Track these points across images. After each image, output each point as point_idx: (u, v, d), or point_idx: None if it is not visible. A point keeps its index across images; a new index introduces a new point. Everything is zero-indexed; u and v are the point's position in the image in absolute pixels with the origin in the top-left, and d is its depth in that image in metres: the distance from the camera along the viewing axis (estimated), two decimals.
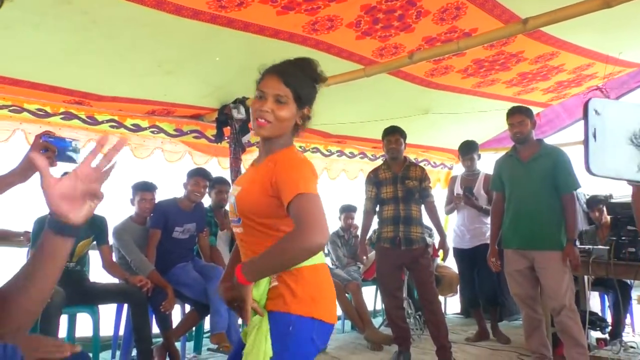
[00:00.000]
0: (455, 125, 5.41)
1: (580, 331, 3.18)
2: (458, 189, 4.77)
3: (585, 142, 1.49)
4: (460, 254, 4.74)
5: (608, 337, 4.06)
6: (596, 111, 1.50)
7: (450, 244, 4.64)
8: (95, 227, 3.48)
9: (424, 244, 3.81)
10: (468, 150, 4.68)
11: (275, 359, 1.41)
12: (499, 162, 3.62)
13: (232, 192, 1.65)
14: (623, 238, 3.54)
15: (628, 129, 1.53)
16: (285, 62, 1.60)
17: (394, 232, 3.76)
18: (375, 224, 4.05)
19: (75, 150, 1.69)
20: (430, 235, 5.72)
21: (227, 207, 1.71)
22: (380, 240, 3.87)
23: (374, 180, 3.94)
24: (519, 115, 3.39)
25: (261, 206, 1.48)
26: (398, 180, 3.82)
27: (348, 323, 4.94)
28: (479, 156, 4.76)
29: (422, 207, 3.93)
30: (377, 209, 3.97)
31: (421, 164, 6.26)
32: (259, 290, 1.45)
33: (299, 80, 1.55)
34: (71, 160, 1.69)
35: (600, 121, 1.50)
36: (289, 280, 1.46)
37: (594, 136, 1.48)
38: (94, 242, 3.53)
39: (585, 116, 1.50)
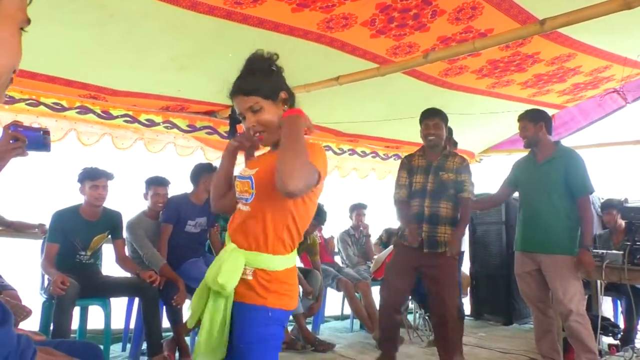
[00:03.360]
0: (469, 126, 5.37)
1: (590, 336, 3.14)
2: None
3: None
4: None
5: (620, 343, 4.02)
6: None
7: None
8: (111, 222, 3.53)
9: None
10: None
11: (256, 345, 1.55)
12: (517, 163, 3.63)
13: (243, 173, 1.71)
14: (638, 243, 3.50)
15: None
16: (237, 77, 1.67)
17: (417, 231, 3.30)
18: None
19: (45, 140, 1.67)
20: None
21: (236, 188, 1.75)
22: (402, 238, 3.40)
23: (407, 166, 3.46)
24: (522, 121, 3.42)
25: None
26: (431, 171, 3.33)
27: (357, 322, 4.93)
28: (450, 131, 3.86)
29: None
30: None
31: None
32: (228, 276, 1.54)
33: (255, 82, 1.62)
34: (42, 149, 1.67)
35: None
36: (263, 279, 1.57)
37: None
38: (109, 237, 3.57)
39: None
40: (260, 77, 1.63)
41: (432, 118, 3.35)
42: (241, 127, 4.90)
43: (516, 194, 3.60)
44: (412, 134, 5.50)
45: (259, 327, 1.56)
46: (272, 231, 1.57)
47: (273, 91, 1.63)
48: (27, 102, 3.64)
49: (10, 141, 1.57)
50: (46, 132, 1.67)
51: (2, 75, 0.71)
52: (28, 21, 0.73)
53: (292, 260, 1.66)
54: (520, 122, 3.43)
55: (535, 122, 3.36)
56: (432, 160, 3.36)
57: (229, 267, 1.54)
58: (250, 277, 1.57)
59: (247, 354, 1.55)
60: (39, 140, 1.65)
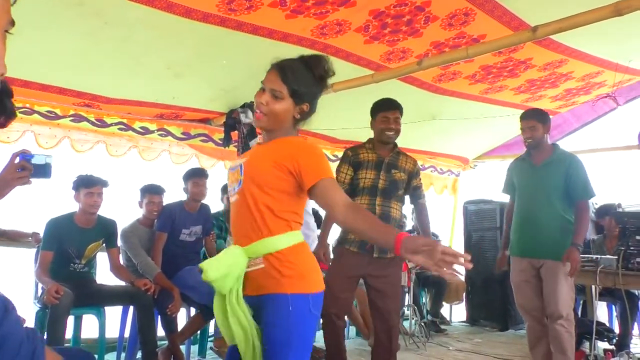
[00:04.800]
0: (463, 131, 5.40)
1: (570, 342, 3.09)
2: None
3: None
4: None
5: (615, 348, 4.02)
6: None
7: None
8: (105, 231, 3.51)
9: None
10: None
11: (283, 338, 1.53)
12: (512, 165, 3.52)
13: (233, 164, 1.74)
14: (632, 248, 3.50)
15: None
16: (294, 58, 1.67)
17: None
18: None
19: (48, 167, 1.72)
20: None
21: (227, 181, 1.77)
22: (344, 242, 2.99)
23: (353, 159, 3.07)
24: (531, 119, 3.25)
25: (268, 175, 1.58)
26: (383, 167, 3.01)
27: (353, 329, 4.92)
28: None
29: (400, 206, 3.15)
30: None
31: (427, 171, 6.30)
32: (233, 276, 1.54)
33: (298, 77, 1.62)
34: (44, 176, 1.71)
35: None
36: (275, 263, 1.56)
37: None
38: (103, 245, 3.55)
39: None
40: (306, 77, 1.63)
41: (394, 111, 3.02)
42: (236, 135, 4.88)
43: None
44: (406, 139, 5.53)
45: (282, 319, 1.54)
46: (268, 211, 1.57)
47: (301, 97, 1.64)
48: (21, 110, 3.62)
49: (17, 170, 1.61)
50: (50, 160, 1.72)
51: None
52: (12, 23, 0.69)
53: (298, 236, 1.62)
54: (527, 121, 3.25)
55: (544, 122, 3.25)
56: (383, 156, 3.04)
57: (221, 261, 1.54)
58: (262, 265, 1.56)
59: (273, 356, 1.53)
60: (44, 169, 1.70)
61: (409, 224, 5.39)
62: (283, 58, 1.66)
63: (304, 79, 1.62)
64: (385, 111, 3.04)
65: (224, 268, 1.53)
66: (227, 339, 1.65)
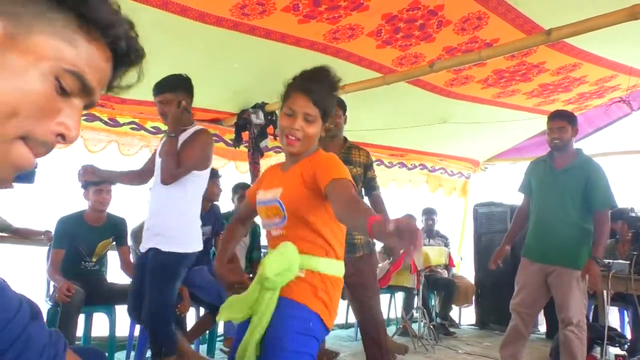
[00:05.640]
0: (474, 134, 5.37)
1: (581, 349, 3.04)
2: None
3: None
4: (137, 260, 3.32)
5: (627, 354, 3.98)
6: None
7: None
8: (115, 229, 3.54)
9: (369, 250, 3.06)
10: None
11: (294, 352, 1.53)
12: (532, 165, 3.43)
13: (264, 197, 1.71)
14: None
15: None
16: (308, 76, 1.67)
17: None
18: None
19: (32, 172, 1.69)
20: (447, 245, 5.69)
21: (260, 215, 1.77)
22: None
23: None
24: (559, 120, 3.13)
25: (308, 200, 1.60)
26: None
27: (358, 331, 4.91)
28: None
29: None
30: None
31: (437, 173, 6.28)
32: (274, 269, 1.53)
33: (325, 97, 1.64)
34: (27, 181, 1.68)
35: None
36: (314, 280, 1.59)
37: None
38: (113, 243, 3.58)
39: None
40: (328, 95, 1.67)
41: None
42: (246, 135, 4.89)
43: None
44: (416, 142, 5.53)
45: (294, 320, 1.55)
46: (318, 238, 1.60)
47: (329, 115, 1.67)
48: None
49: None
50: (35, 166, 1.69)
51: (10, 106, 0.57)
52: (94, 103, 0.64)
53: (341, 269, 1.66)
54: (557, 121, 3.14)
55: (573, 124, 3.15)
56: (335, 154, 3.00)
57: (285, 256, 1.55)
58: (302, 275, 1.59)
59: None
60: (27, 175, 1.67)
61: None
62: (297, 76, 1.67)
63: (328, 97, 1.66)
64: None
65: (287, 263, 1.54)
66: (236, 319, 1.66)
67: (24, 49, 0.57)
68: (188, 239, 2.70)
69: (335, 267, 1.64)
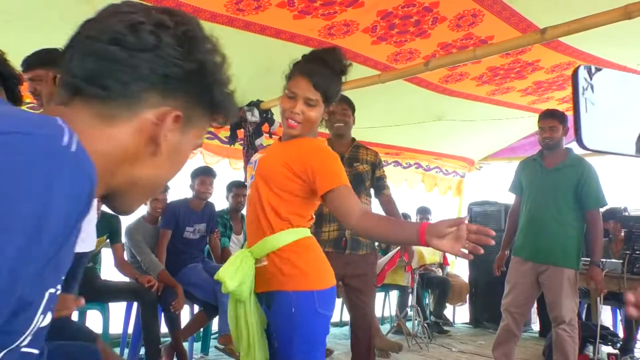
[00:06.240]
0: (469, 132, 5.39)
1: (573, 347, 3.06)
2: None
3: (576, 114, 1.35)
4: None
5: (619, 353, 4.00)
6: (586, 79, 1.37)
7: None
8: (109, 226, 3.52)
9: (372, 249, 3.06)
10: None
11: (286, 339, 1.53)
12: (522, 164, 3.46)
13: (253, 158, 1.75)
14: (637, 252, 3.49)
15: (621, 98, 1.40)
16: (314, 57, 1.65)
17: (338, 231, 2.88)
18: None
19: None
20: None
21: (245, 172, 1.81)
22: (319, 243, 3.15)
23: None
24: (551, 119, 3.16)
25: (277, 175, 1.58)
26: (344, 162, 2.87)
27: None
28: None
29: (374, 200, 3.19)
30: None
31: (432, 172, 6.29)
32: (248, 281, 1.54)
33: (328, 81, 1.61)
34: None
35: (592, 90, 1.37)
36: (276, 261, 1.56)
37: (585, 107, 1.36)
38: (107, 241, 3.56)
39: (575, 86, 1.36)
40: (333, 78, 1.64)
41: (340, 104, 2.97)
42: (241, 133, 4.89)
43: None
44: (411, 140, 5.53)
45: (285, 320, 1.53)
46: (272, 211, 1.57)
47: (332, 99, 1.64)
48: (29, 106, 3.63)
49: None
50: None
51: (157, 187, 0.77)
52: (198, 146, 0.80)
53: (299, 233, 1.61)
54: (548, 120, 3.17)
55: (564, 123, 3.18)
56: (342, 152, 2.98)
57: (235, 267, 1.54)
58: (265, 262, 1.57)
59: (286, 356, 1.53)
60: None
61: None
62: (303, 61, 1.66)
63: (332, 81, 1.63)
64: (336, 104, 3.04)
65: (240, 275, 1.52)
66: (237, 342, 1.64)
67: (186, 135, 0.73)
68: None
69: (296, 234, 1.59)
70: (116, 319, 3.65)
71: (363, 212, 1.50)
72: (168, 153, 0.70)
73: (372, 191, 3.14)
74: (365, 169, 3.01)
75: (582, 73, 1.37)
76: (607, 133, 1.38)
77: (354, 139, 3.13)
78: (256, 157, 1.71)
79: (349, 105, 3.07)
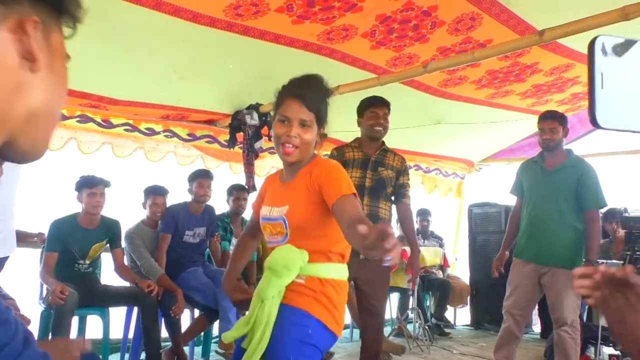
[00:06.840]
0: (468, 135, 5.39)
1: (574, 349, 3.06)
2: None
3: (591, 90, 1.23)
4: None
5: (620, 354, 4.00)
6: (604, 52, 1.24)
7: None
8: (109, 231, 3.52)
9: None
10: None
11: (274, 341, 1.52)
12: (523, 166, 3.47)
13: (270, 214, 1.68)
14: (637, 252, 3.50)
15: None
16: (299, 83, 1.65)
17: None
18: None
19: None
20: (441, 245, 5.70)
21: (264, 230, 1.76)
22: None
23: (338, 159, 2.94)
24: (551, 121, 3.17)
25: (313, 215, 1.58)
26: (369, 165, 2.97)
27: (357, 331, 4.91)
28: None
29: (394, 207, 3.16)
30: None
31: (432, 174, 6.28)
32: (281, 281, 1.54)
33: (318, 102, 1.63)
34: None
35: (608, 64, 1.24)
36: (314, 285, 1.57)
37: (601, 83, 1.23)
38: (107, 245, 3.56)
39: (591, 58, 1.24)
40: (323, 101, 1.65)
41: (382, 107, 3.01)
42: (241, 136, 4.91)
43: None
44: (411, 142, 5.53)
45: (295, 327, 1.54)
46: (319, 247, 1.59)
47: (324, 120, 1.66)
48: None
49: None
50: None
51: (58, 111, 0.70)
52: (68, 57, 0.72)
53: (344, 271, 1.64)
54: (548, 122, 3.17)
55: (564, 125, 3.19)
56: (369, 154, 3.00)
57: (288, 252, 1.56)
58: (302, 281, 1.57)
59: None
60: None
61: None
62: (288, 84, 1.66)
63: (322, 102, 1.64)
64: (374, 107, 3.02)
65: (292, 258, 1.54)
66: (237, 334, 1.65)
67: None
68: None
69: (337, 271, 1.62)
70: (116, 323, 3.64)
71: (350, 220, 1.42)
72: (47, 65, 0.64)
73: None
74: (389, 175, 2.98)
75: (600, 44, 1.24)
76: (624, 110, 1.26)
77: (383, 142, 3.09)
78: (277, 212, 1.64)
79: (389, 110, 3.04)
